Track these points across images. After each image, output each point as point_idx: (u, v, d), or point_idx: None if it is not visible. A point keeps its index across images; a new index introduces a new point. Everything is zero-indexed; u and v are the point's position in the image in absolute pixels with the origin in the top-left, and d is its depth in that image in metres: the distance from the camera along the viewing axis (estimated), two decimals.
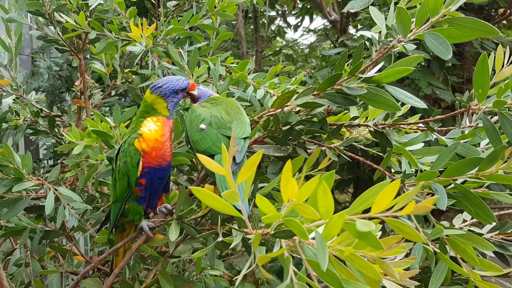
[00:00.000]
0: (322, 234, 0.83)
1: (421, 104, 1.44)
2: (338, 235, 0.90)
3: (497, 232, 1.60)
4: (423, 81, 5.21)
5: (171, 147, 1.80)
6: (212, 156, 1.61)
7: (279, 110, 1.64)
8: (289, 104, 1.61)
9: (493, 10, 6.27)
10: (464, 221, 1.66)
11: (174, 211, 1.70)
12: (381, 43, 1.46)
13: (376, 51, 1.49)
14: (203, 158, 0.95)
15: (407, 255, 1.17)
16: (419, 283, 1.80)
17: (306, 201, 0.84)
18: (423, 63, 5.95)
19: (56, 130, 2.71)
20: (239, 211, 0.98)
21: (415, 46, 1.46)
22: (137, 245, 1.77)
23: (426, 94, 5.49)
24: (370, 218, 0.84)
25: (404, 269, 0.99)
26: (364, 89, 1.44)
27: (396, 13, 1.37)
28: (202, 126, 1.67)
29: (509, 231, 1.59)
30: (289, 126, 1.59)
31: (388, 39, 1.45)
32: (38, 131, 2.70)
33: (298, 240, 0.93)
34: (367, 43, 1.54)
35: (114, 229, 1.90)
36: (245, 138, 1.63)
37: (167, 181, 1.84)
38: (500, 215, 1.77)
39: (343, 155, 1.70)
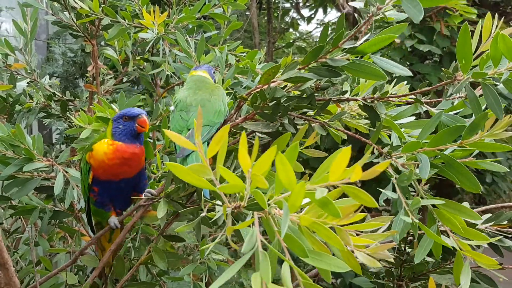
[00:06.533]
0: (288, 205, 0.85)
1: (406, 72, 1.42)
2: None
3: (492, 223, 1.62)
4: (433, 76, 5.18)
5: (132, 170, 1.75)
6: None
7: (266, 86, 1.63)
8: (276, 80, 1.60)
9: (509, 7, 6.21)
10: None
11: (160, 193, 1.71)
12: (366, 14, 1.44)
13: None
14: (171, 134, 0.94)
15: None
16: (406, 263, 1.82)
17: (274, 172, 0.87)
18: (434, 58, 5.91)
19: (68, 114, 2.77)
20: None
21: (404, 16, 1.43)
22: (132, 222, 1.80)
23: (437, 89, 5.45)
24: (334, 187, 0.87)
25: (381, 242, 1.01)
26: (347, 60, 1.43)
27: None
28: (171, 108, 1.71)
29: (504, 223, 1.60)
30: (276, 101, 1.58)
31: (368, 8, 1.43)
32: (51, 114, 2.75)
33: (268, 212, 0.95)
34: (356, 15, 1.53)
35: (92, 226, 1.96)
36: (209, 127, 1.61)
37: (136, 185, 1.80)
38: (498, 207, 1.79)
39: (331, 129, 1.68)
